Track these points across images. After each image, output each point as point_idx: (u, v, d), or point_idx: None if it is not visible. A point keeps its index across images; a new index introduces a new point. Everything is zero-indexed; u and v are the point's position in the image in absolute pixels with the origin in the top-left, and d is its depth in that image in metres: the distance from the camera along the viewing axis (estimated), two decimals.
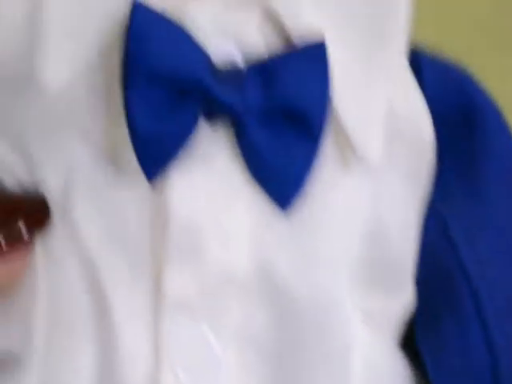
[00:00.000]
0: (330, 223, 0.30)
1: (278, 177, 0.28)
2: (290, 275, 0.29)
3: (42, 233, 0.29)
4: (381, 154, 0.29)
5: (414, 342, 0.35)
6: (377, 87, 0.29)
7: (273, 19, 0.28)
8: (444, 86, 0.33)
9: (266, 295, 0.29)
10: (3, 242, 0.28)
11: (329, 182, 0.29)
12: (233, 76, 0.28)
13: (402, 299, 0.34)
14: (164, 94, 0.27)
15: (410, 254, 0.33)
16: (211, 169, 0.29)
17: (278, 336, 0.30)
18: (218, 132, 0.28)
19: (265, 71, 0.27)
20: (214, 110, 0.27)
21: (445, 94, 0.35)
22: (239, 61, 0.28)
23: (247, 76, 0.28)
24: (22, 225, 0.29)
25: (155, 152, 0.27)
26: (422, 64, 0.34)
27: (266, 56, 0.28)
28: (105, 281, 0.29)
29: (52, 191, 0.29)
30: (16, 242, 0.28)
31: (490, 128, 0.37)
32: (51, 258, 0.29)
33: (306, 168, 0.28)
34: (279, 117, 0.28)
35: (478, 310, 0.34)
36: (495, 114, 0.37)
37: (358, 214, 0.31)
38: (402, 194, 0.32)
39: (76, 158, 0.29)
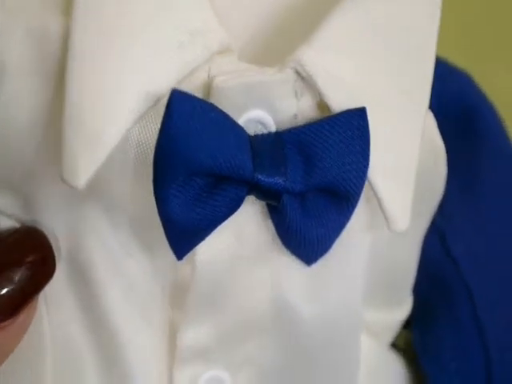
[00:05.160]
0: (345, 261, 0.29)
1: (308, 246, 0.27)
2: (304, 307, 0.29)
3: (44, 283, 0.27)
4: (409, 223, 0.28)
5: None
6: (409, 150, 0.28)
7: (304, 79, 0.26)
8: (445, 93, 0.33)
9: (280, 326, 0.29)
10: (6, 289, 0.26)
11: (351, 236, 0.29)
12: (271, 147, 0.26)
13: (402, 312, 0.35)
14: (203, 184, 0.25)
15: (413, 272, 0.34)
16: (238, 232, 0.28)
17: (287, 360, 0.30)
18: (250, 202, 0.27)
19: (304, 145, 0.25)
20: (256, 192, 0.26)
21: (445, 102, 0.34)
22: (270, 123, 0.26)
23: (287, 151, 0.25)
24: (25, 273, 0.27)
25: (188, 237, 0.26)
26: None
27: (299, 117, 0.26)
28: (116, 329, 0.28)
29: (59, 237, 0.28)
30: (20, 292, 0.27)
31: (489, 137, 0.37)
32: (53, 307, 0.28)
33: (336, 237, 0.27)
34: (317, 193, 0.26)
35: (474, 313, 0.35)
36: (495, 122, 0.38)
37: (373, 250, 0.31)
38: (413, 228, 0.30)
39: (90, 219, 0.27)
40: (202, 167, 0.24)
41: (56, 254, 0.27)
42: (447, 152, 0.31)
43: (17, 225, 0.28)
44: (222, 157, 0.24)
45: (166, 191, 0.24)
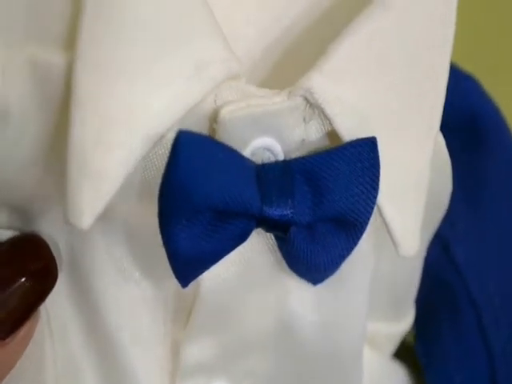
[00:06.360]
0: (350, 280, 0.29)
1: (315, 271, 0.27)
2: (308, 324, 0.29)
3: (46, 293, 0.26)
4: (418, 247, 0.27)
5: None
6: (419, 175, 0.27)
7: (313, 105, 0.25)
8: (449, 100, 0.32)
9: (284, 342, 0.29)
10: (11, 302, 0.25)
11: (357, 255, 0.28)
12: (279, 177, 0.25)
13: (404, 323, 0.35)
14: (210, 218, 0.24)
15: (415, 285, 0.34)
16: (244, 259, 0.27)
17: (290, 371, 0.30)
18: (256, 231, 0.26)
19: (312, 175, 0.25)
20: (263, 225, 0.25)
21: (450, 110, 0.33)
22: (278, 150, 0.25)
23: (295, 181, 0.25)
24: (27, 283, 0.26)
25: (194, 268, 0.25)
26: None
27: (306, 141, 0.26)
28: (117, 342, 0.28)
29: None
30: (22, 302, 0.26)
31: (495, 146, 0.36)
32: (54, 321, 0.28)
33: (342, 261, 0.27)
34: (324, 223, 0.25)
35: (480, 324, 0.35)
36: (500, 129, 0.37)
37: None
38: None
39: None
40: (208, 205, 0.23)
41: (57, 261, 0.27)
42: (453, 161, 0.30)
43: (16, 233, 0.27)
44: (228, 195, 0.23)
45: (172, 227, 0.23)
